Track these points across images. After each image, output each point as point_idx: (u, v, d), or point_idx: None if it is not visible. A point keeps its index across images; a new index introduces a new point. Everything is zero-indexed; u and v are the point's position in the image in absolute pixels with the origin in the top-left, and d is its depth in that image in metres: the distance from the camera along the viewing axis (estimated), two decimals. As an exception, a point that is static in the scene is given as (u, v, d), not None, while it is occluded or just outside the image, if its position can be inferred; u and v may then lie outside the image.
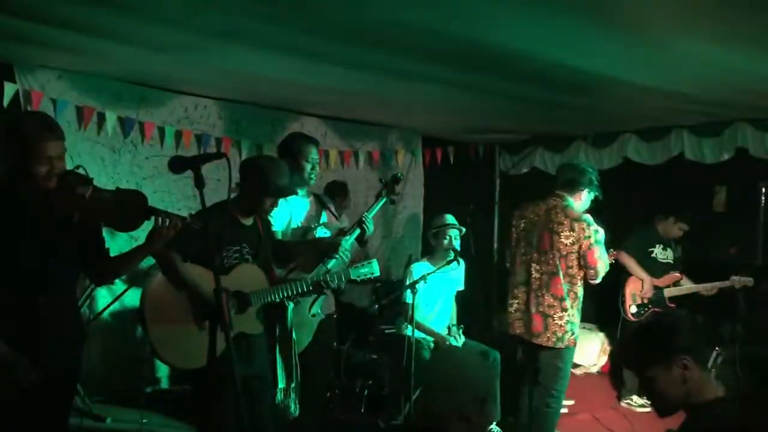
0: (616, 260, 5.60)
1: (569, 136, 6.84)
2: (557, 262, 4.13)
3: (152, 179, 5.48)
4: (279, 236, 3.72)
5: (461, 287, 5.07)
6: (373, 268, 3.67)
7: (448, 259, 4.55)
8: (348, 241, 3.69)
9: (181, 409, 4.77)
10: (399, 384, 4.56)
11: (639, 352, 2.22)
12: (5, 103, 4.63)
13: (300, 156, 3.82)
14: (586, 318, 6.50)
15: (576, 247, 4.10)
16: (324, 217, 3.95)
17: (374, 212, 3.91)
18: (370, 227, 3.78)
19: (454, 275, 4.91)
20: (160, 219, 2.66)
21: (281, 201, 3.65)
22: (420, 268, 4.76)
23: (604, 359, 7.11)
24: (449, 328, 4.95)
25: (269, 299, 3.32)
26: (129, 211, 2.64)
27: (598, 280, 4.16)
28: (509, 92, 5.03)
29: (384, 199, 3.98)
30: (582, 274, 4.17)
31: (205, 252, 2.70)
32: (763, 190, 4.97)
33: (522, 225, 4.35)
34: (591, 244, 4.07)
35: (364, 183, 6.87)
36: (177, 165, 2.39)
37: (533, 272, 4.22)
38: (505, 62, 4.17)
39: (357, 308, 5.79)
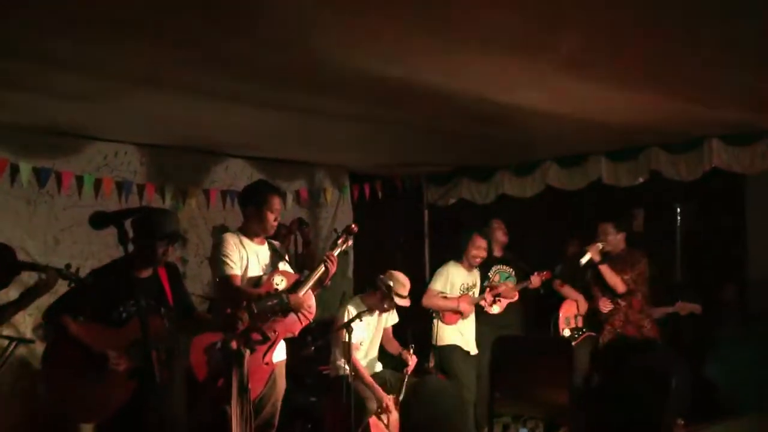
0: (548, 286, 5.70)
1: (493, 166, 6.98)
2: None
3: (71, 230, 5.26)
4: (238, 281, 3.68)
5: (396, 320, 5.07)
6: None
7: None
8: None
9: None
10: (340, 425, 4.48)
11: None
12: None
13: (264, 206, 3.78)
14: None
15: None
16: (280, 267, 3.89)
17: (337, 253, 3.90)
18: (333, 267, 3.78)
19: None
20: (41, 276, 2.58)
21: (238, 246, 3.69)
22: (354, 306, 4.72)
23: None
24: (401, 353, 4.89)
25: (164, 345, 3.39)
26: None
27: None
28: (432, 127, 5.11)
29: (339, 249, 3.95)
30: None
31: (96, 309, 3.14)
32: (678, 210, 5.18)
33: None
34: None
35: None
36: (99, 221, 2.31)
37: None
38: (428, 99, 4.25)
39: (292, 349, 5.68)
